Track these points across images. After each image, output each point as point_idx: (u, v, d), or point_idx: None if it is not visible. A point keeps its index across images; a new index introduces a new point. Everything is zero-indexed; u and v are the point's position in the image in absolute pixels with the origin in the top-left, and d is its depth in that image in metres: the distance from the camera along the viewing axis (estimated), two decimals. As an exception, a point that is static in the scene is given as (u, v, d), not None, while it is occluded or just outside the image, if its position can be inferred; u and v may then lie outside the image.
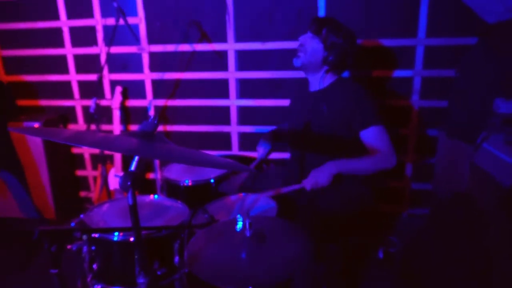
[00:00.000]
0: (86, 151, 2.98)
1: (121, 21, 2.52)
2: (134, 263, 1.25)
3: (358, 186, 1.74)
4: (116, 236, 1.30)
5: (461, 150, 2.01)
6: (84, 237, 1.34)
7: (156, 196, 1.62)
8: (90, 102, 2.81)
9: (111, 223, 1.38)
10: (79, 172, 3.05)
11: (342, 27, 1.75)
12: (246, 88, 2.66)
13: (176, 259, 1.37)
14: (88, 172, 3.03)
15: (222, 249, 1.17)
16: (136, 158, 0.89)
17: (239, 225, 1.17)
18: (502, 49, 1.85)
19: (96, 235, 1.29)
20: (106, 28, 2.67)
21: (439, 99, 2.41)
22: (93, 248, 1.31)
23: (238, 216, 1.18)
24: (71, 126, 2.94)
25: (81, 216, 1.39)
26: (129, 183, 0.87)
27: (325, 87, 1.78)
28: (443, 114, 2.37)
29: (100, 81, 2.13)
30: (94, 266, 1.33)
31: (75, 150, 3.00)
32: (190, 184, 2.01)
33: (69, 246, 1.33)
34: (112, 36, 2.12)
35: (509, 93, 1.84)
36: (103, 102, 2.76)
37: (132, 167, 0.89)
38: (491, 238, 1.74)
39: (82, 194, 3.10)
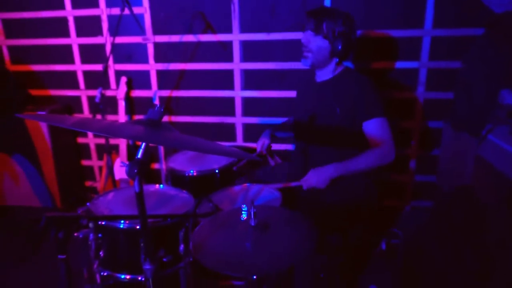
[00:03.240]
0: (92, 141, 3.00)
1: (126, 11, 2.53)
2: (140, 251, 1.27)
3: (362, 179, 1.74)
4: (122, 223, 1.32)
5: (466, 142, 2.00)
6: (91, 224, 1.35)
7: (161, 185, 1.64)
8: (95, 92, 2.83)
9: (117, 211, 1.40)
10: (85, 162, 3.08)
11: (338, 13, 1.71)
12: (251, 79, 2.66)
13: (181, 247, 1.39)
14: (94, 162, 3.06)
15: (226, 238, 1.19)
16: (143, 146, 0.90)
17: (244, 214, 1.19)
18: (509, 40, 1.83)
19: (103, 223, 1.31)
20: (111, 18, 2.67)
21: (444, 91, 2.40)
22: (99, 235, 1.33)
23: (243, 205, 1.19)
24: (77, 116, 2.96)
25: (87, 204, 1.41)
26: (135, 170, 0.88)
27: (332, 77, 1.77)
28: (448, 106, 2.36)
29: (105, 71, 2.14)
30: (101, 253, 1.35)
31: (81, 140, 3.02)
32: (195, 174, 2.03)
33: (75, 234, 1.36)
34: (117, 26, 2.11)
35: (515, 85, 1.83)
36: (108, 93, 2.77)
37: (139, 155, 0.90)
38: (494, 231, 1.75)
39: (88, 183, 3.13)
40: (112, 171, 2.39)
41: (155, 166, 3.00)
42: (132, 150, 2.89)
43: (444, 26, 2.31)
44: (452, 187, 2.12)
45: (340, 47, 1.68)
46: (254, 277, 1.22)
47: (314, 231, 1.20)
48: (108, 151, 2.34)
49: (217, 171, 2.05)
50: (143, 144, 0.90)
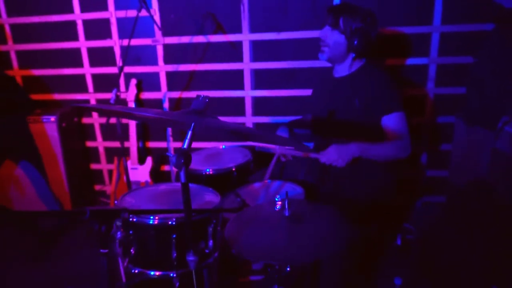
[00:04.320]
0: (101, 145, 2.99)
1: (131, 13, 2.54)
2: (171, 247, 1.28)
3: (383, 175, 1.75)
4: (152, 219, 1.32)
5: (480, 136, 2.02)
6: (118, 222, 1.35)
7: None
8: (104, 95, 2.85)
9: (145, 207, 1.40)
10: (94, 166, 3.06)
11: (358, 9, 1.74)
12: (261, 79, 2.67)
13: (210, 243, 1.38)
14: (103, 165, 3.04)
15: (260, 230, 1.19)
16: (189, 136, 0.90)
17: (278, 206, 1.19)
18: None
19: (134, 219, 1.31)
20: (120, 20, 2.68)
21: (454, 86, 2.43)
22: (130, 232, 1.33)
23: (277, 196, 1.20)
24: (85, 120, 2.95)
25: (115, 202, 1.41)
26: (182, 160, 0.88)
27: (352, 72, 1.79)
28: (459, 101, 2.39)
29: (120, 73, 2.14)
30: (132, 250, 1.34)
31: (90, 144, 3.00)
32: (211, 172, 2.03)
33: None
34: (133, 27, 2.12)
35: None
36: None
37: (185, 145, 0.90)
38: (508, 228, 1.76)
39: (97, 187, 3.11)
40: (127, 173, 2.38)
41: (165, 168, 2.99)
42: (141, 153, 2.89)
43: (453, 22, 2.34)
44: (467, 181, 2.14)
45: (356, 43, 1.69)
46: (288, 268, 1.23)
47: (346, 224, 1.20)
48: (122, 153, 2.33)
49: (234, 169, 2.05)
50: (189, 134, 0.90)
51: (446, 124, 2.50)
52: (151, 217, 1.31)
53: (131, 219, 1.29)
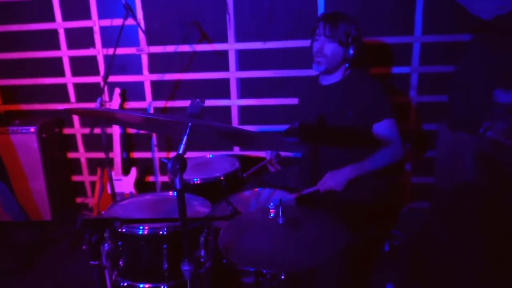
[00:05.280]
0: (83, 156, 2.91)
1: (116, 22, 2.51)
2: (163, 258, 1.24)
3: (375, 179, 1.77)
4: (141, 229, 1.28)
5: (464, 141, 2.08)
6: (106, 234, 1.30)
7: (175, 192, 1.60)
8: (87, 105, 2.79)
9: (135, 217, 1.35)
10: (75, 177, 2.97)
11: (351, 19, 1.74)
12: (248, 88, 2.67)
13: (202, 252, 1.35)
14: (85, 177, 2.96)
15: (254, 237, 1.17)
16: (184, 140, 0.88)
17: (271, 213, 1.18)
18: (500, 43, 1.93)
19: (123, 230, 1.26)
20: (103, 29, 2.64)
21: (436, 94, 2.49)
22: (119, 243, 1.28)
23: (271, 203, 1.18)
24: (67, 130, 2.87)
25: (103, 213, 1.36)
26: (177, 166, 0.86)
27: (340, 80, 1.80)
28: (442, 108, 2.45)
29: (105, 83, 2.09)
30: (120, 262, 1.29)
31: (71, 155, 2.92)
32: (199, 182, 2.00)
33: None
34: (119, 36, 2.09)
35: (508, 84, 1.92)
36: (101, 105, 2.70)
37: (180, 150, 0.88)
38: (501, 225, 1.80)
39: (79, 200, 3.02)
40: (112, 184, 2.32)
41: (150, 178, 2.93)
42: (126, 164, 2.83)
43: (433, 32, 2.42)
44: (452, 185, 2.18)
45: (351, 52, 1.71)
46: (282, 276, 1.21)
47: (342, 229, 1.20)
48: (107, 164, 2.27)
49: (222, 178, 2.02)
50: (185, 138, 0.88)
51: (429, 131, 2.55)
52: (141, 227, 1.27)
53: (120, 230, 1.25)
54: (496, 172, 1.76)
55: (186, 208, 1.46)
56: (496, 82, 1.92)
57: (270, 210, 1.18)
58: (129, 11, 1.99)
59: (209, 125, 0.87)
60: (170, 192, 1.62)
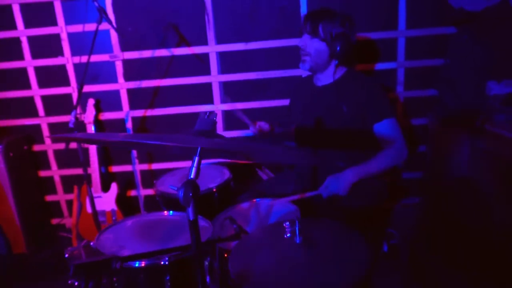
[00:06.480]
0: (56, 173, 2.69)
1: (89, 27, 2.33)
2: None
3: (375, 180, 1.70)
4: (138, 262, 1.14)
5: (457, 135, 2.05)
6: (104, 279, 1.15)
7: (171, 212, 1.46)
8: (58, 119, 2.57)
9: (130, 247, 1.21)
10: (49, 197, 2.75)
11: (336, 14, 1.67)
12: (231, 91, 2.55)
13: (208, 279, 1.23)
14: (60, 196, 2.74)
15: (269, 261, 1.06)
16: (195, 163, 0.76)
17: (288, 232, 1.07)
18: (490, 34, 1.91)
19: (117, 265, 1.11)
20: (72, 36, 2.44)
21: (423, 89, 2.46)
22: (114, 279, 1.13)
23: (286, 222, 1.07)
24: (38, 147, 2.64)
25: (91, 244, 1.20)
26: (190, 194, 0.73)
27: (336, 80, 1.72)
28: (430, 102, 2.43)
29: (80, 93, 1.91)
30: (117, 299, 1.15)
31: (43, 173, 2.69)
32: (190, 196, 1.86)
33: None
34: (93, 42, 1.91)
35: (499, 76, 1.91)
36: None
37: (192, 175, 0.75)
38: (495, 220, 1.78)
39: (54, 221, 2.79)
40: (93, 202, 2.13)
41: (132, 193, 2.75)
42: (105, 179, 2.64)
43: (417, 26, 2.38)
44: (447, 180, 2.15)
45: (338, 49, 1.63)
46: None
47: (363, 243, 1.10)
48: (86, 181, 2.09)
49: (214, 190, 1.90)
50: (196, 160, 0.75)
51: (418, 126, 2.53)
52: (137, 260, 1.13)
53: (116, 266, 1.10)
54: (497, 166, 1.73)
55: (185, 229, 1.34)
56: (486, 74, 1.90)
57: (286, 231, 1.06)
58: (103, 15, 1.82)
59: (223, 143, 0.75)
60: (165, 212, 1.48)
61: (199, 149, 0.74)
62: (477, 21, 1.97)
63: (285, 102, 2.44)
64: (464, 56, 2.02)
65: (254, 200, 1.68)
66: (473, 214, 1.96)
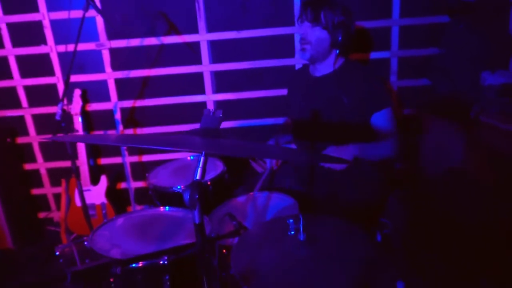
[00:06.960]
0: (42, 166, 2.60)
1: (74, 14, 2.23)
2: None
3: (377, 173, 1.69)
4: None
5: (452, 126, 2.05)
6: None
7: (167, 208, 1.42)
8: (42, 110, 2.48)
9: (126, 245, 1.16)
10: (35, 191, 2.66)
11: (335, 2, 1.64)
12: (223, 82, 2.49)
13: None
14: (46, 189, 2.66)
15: (272, 260, 1.03)
16: (201, 163, 0.72)
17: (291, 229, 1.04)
18: (486, 24, 1.90)
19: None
20: (54, 23, 2.33)
21: (417, 78, 2.45)
22: (110, 280, 1.09)
23: (290, 219, 1.05)
24: (22, 139, 2.54)
25: (85, 243, 1.16)
26: (196, 196, 0.69)
27: (334, 70, 1.68)
28: (424, 92, 2.42)
29: (67, 84, 1.83)
30: (114, 301, 1.11)
31: (29, 166, 2.60)
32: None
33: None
34: (79, 29, 1.82)
35: (494, 66, 1.90)
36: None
37: (197, 176, 0.71)
38: (489, 212, 1.79)
39: (41, 215, 2.71)
40: (83, 196, 2.07)
41: (122, 185, 2.69)
42: (94, 172, 2.56)
43: (411, 15, 2.35)
44: (441, 171, 2.16)
45: (340, 38, 1.59)
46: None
47: (368, 238, 1.09)
48: (75, 174, 2.02)
49: (209, 183, 1.86)
50: (201, 160, 0.71)
51: (412, 116, 2.52)
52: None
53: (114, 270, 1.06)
54: (491, 157, 1.74)
55: (183, 227, 1.30)
56: (482, 64, 1.89)
57: (290, 228, 1.04)
58: (90, 1, 1.73)
59: (227, 147, 0.71)
60: (160, 208, 1.43)
61: (203, 154, 0.71)
62: (474, 11, 1.95)
63: (281, 92, 2.41)
64: (460, 46, 2.00)
65: (251, 193, 1.65)
66: (466, 206, 1.98)
